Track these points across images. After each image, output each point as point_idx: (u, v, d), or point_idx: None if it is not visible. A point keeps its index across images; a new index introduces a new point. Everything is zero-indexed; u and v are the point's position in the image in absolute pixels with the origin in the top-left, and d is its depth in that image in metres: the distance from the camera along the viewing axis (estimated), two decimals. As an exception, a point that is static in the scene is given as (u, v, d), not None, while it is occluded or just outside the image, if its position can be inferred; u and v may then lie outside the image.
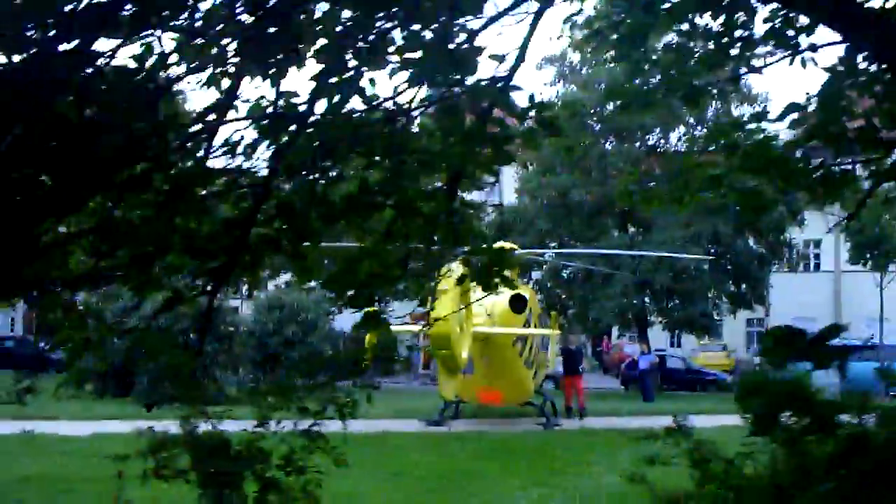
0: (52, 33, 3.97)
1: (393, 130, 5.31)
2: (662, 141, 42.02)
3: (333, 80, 4.88)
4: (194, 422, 4.36)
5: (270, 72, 4.81)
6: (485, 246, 5.42)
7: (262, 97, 5.12)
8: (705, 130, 40.54)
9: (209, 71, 4.90)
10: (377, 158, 5.41)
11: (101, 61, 4.18)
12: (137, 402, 27.12)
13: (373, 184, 5.40)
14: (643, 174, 38.72)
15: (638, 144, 40.55)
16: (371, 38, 4.84)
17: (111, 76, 4.12)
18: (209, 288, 5.46)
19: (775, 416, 4.88)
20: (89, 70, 4.14)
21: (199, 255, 5.30)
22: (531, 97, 5.16)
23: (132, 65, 4.31)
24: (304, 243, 5.52)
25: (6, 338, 53.60)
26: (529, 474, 14.50)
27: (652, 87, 6.72)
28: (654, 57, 6.73)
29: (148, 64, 4.38)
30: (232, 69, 4.89)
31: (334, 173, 5.45)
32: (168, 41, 4.61)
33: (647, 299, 40.20)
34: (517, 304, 21.92)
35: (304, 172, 5.29)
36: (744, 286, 41.31)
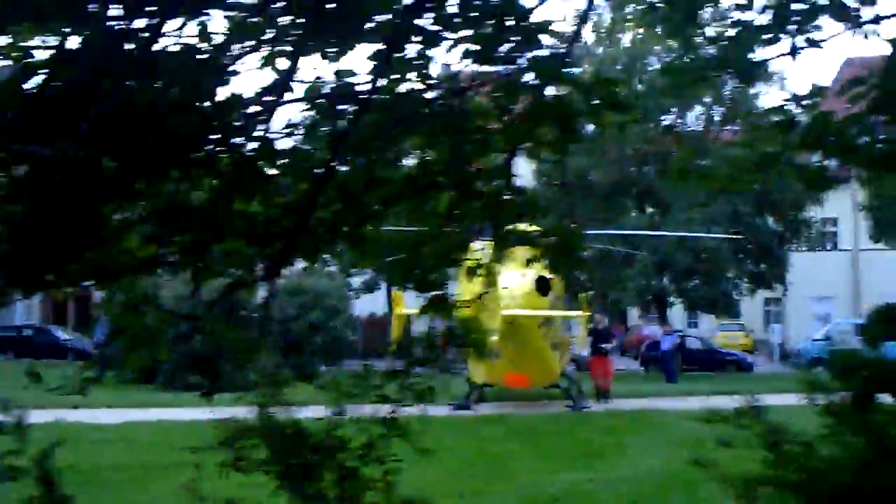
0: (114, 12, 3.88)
1: (451, 109, 5.21)
2: (679, 120, 41.83)
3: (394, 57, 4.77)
4: (271, 410, 4.24)
5: (331, 50, 4.70)
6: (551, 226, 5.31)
7: (320, 77, 5.02)
8: (723, 109, 40.47)
9: (264, 50, 4.82)
10: (435, 138, 5.31)
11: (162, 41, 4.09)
12: (162, 389, 27.23)
13: (431, 165, 5.30)
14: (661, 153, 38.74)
15: (653, 125, 40.36)
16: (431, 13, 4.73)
17: (180, 56, 4.02)
18: (268, 273, 5.37)
19: (871, 397, 4.75)
20: (154, 49, 4.04)
21: (259, 240, 5.20)
22: (598, 73, 5.03)
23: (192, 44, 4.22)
24: (363, 227, 5.42)
25: (25, 326, 53.81)
26: (565, 457, 14.43)
27: (704, 64, 6.58)
28: (706, 31, 6.59)
29: (208, 44, 4.29)
30: (289, 48, 4.80)
31: (392, 155, 5.35)
32: (222, 20, 4.54)
33: (666, 279, 40.12)
34: (542, 285, 21.83)
35: (362, 154, 5.18)
36: (763, 265, 41.21)
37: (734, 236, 36.53)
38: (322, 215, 5.24)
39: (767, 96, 38.70)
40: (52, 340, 50.31)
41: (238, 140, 4.60)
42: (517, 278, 20.73)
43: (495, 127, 5.27)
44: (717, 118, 41.61)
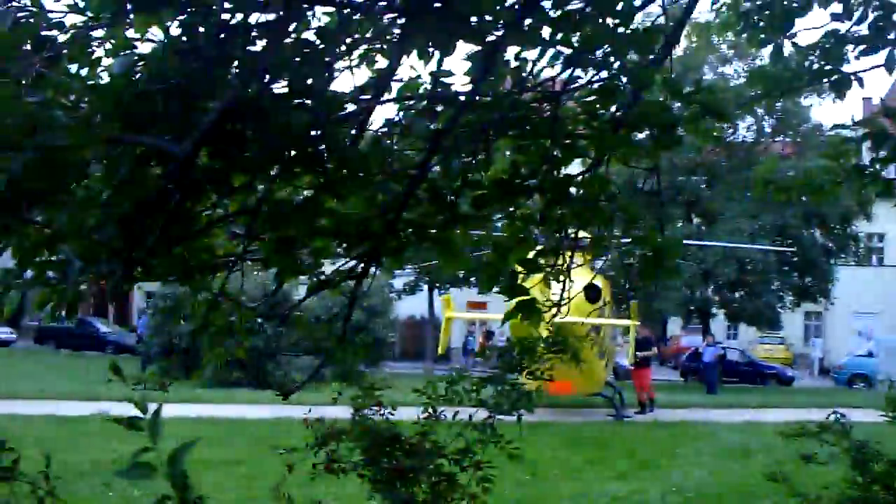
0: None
1: (543, 112, 5.13)
2: (730, 130, 41.47)
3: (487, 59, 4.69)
4: (365, 410, 4.15)
5: (432, 50, 4.63)
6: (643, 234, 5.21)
7: (418, 76, 4.96)
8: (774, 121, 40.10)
9: (363, 48, 4.77)
10: (526, 142, 5.22)
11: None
12: (201, 385, 27.26)
13: (521, 168, 5.22)
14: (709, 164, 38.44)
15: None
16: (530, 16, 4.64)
17: (292, 50, 3.96)
18: (357, 274, 5.31)
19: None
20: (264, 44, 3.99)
21: (349, 240, 5.14)
22: (698, 80, 4.94)
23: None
24: (451, 229, 5.35)
25: (64, 318, 54.15)
26: (617, 466, 14.27)
27: (795, 73, 6.46)
28: (797, 42, 6.47)
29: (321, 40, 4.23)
30: (388, 47, 4.75)
31: (482, 157, 5.27)
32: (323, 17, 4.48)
33: (710, 290, 39.83)
34: (592, 293, 21.65)
35: (457, 156, 5.10)
36: (808, 279, 40.82)
37: (781, 248, 36.20)
38: (408, 217, 5.17)
39: (819, 109, 38.38)
40: (92, 333, 50.86)
41: (340, 138, 4.54)
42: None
43: (587, 132, 5.19)
44: (767, 129, 41.21)
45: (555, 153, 5.21)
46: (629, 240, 5.36)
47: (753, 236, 35.65)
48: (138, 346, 34.09)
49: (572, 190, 5.34)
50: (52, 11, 3.81)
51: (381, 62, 5.02)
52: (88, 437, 15.15)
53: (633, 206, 5.20)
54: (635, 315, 24.12)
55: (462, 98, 4.83)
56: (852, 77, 6.61)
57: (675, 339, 52.23)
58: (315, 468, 4.23)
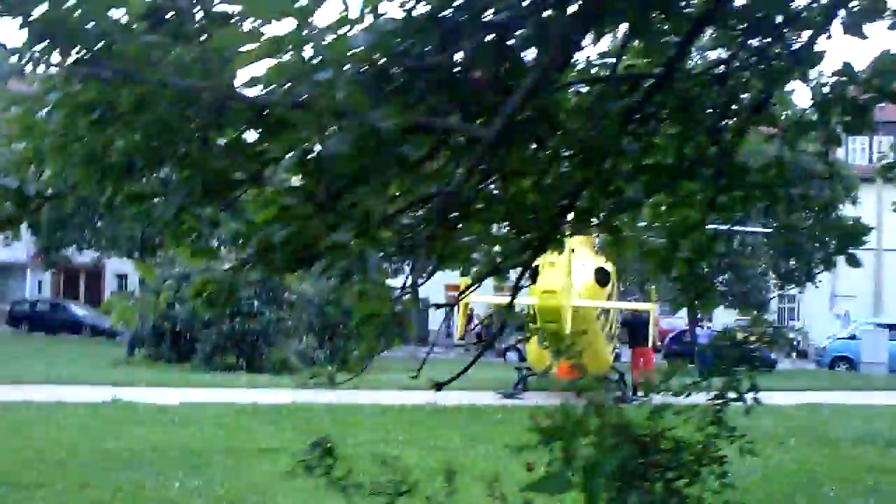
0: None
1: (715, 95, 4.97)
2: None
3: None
4: (602, 399, 3.92)
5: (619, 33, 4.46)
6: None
7: (604, 54, 4.79)
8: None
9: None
10: (695, 126, 5.05)
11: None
12: (199, 368, 26.88)
13: (690, 152, 5.05)
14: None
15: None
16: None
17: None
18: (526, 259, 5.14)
19: None
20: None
21: (520, 226, 4.95)
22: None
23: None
24: (619, 215, 5.18)
25: (39, 300, 53.61)
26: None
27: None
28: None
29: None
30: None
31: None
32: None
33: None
34: (602, 276, 21.60)
35: (637, 139, 4.91)
36: (792, 262, 40.98)
37: (767, 230, 36.24)
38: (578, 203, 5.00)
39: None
40: (67, 316, 50.17)
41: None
42: (578, 269, 20.50)
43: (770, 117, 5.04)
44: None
45: (724, 137, 5.05)
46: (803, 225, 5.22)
47: (742, 219, 35.66)
48: (119, 329, 33.57)
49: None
50: None
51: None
52: (118, 424, 14.82)
53: (811, 194, 5.04)
54: (654, 299, 24.05)
55: (651, 80, 4.67)
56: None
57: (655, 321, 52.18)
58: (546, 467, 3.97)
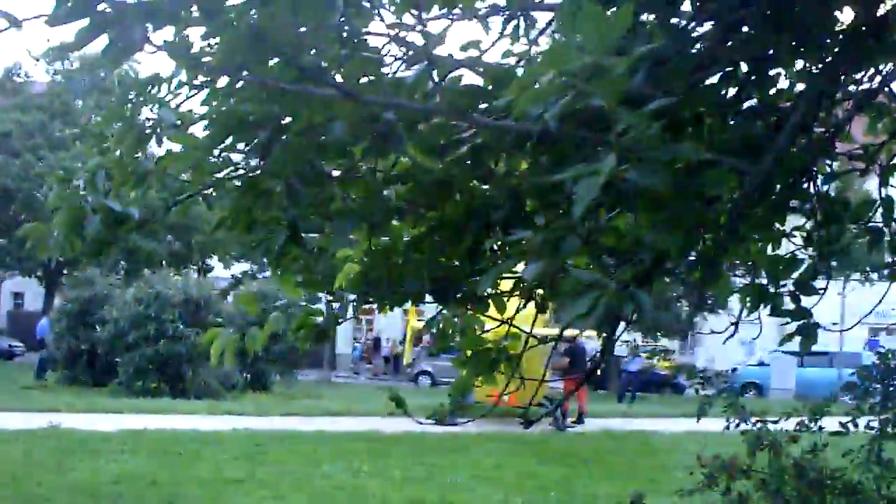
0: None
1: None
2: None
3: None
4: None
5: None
6: None
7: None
8: None
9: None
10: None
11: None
12: (120, 392, 26.02)
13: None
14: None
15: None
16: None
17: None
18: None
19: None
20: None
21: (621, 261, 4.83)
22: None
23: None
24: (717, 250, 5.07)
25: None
26: (626, 479, 14.00)
27: None
28: None
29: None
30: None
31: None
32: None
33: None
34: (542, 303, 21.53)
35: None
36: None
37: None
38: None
39: None
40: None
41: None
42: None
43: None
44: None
45: (814, 169, 5.01)
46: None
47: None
48: (41, 353, 32.46)
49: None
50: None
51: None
52: (67, 453, 14.24)
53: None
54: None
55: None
56: None
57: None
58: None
